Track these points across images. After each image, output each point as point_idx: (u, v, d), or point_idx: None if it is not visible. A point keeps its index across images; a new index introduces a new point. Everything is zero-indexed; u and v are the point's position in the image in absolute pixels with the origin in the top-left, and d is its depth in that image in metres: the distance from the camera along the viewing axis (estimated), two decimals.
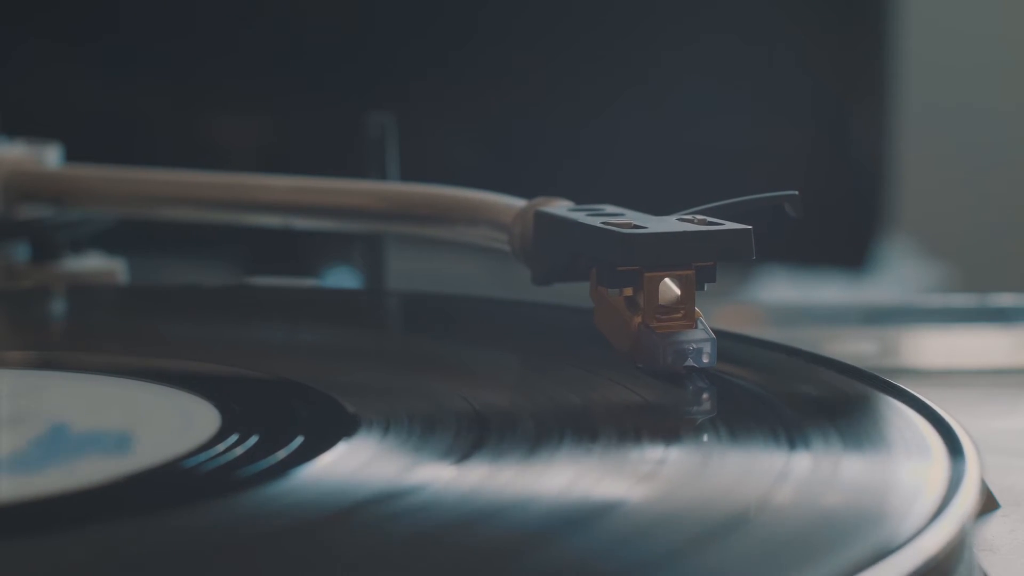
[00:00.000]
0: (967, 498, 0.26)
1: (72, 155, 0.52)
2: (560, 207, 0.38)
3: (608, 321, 0.35)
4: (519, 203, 0.40)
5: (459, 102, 0.86)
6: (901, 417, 0.31)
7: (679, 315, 0.34)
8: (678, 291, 0.34)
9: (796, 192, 0.37)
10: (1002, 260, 0.96)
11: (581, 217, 0.36)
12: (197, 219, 0.49)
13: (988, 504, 0.32)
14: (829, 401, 0.34)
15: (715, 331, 0.34)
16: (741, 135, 0.85)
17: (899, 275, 0.88)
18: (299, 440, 0.30)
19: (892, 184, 0.90)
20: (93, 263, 0.52)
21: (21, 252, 0.51)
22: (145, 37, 0.85)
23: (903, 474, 0.29)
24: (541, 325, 0.42)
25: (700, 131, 0.84)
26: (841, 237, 0.88)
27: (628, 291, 0.35)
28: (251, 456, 0.29)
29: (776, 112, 0.86)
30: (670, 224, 0.35)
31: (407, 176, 0.49)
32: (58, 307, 0.47)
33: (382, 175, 0.49)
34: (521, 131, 0.85)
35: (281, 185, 0.47)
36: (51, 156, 0.51)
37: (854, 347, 0.51)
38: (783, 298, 0.77)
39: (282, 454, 0.29)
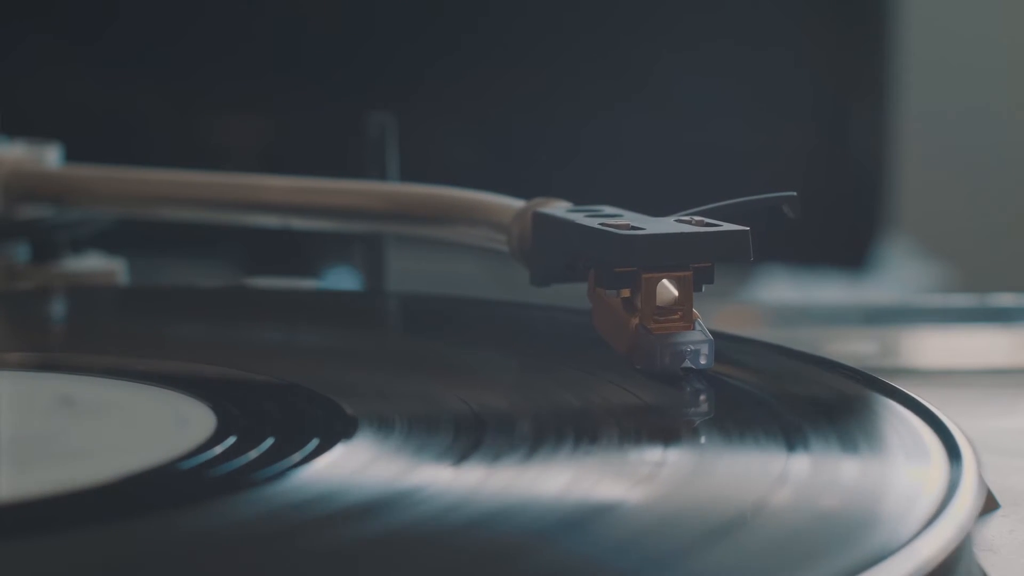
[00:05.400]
0: (965, 501, 0.26)
1: (72, 155, 0.52)
2: (558, 208, 0.38)
3: (606, 322, 0.35)
4: (518, 204, 0.40)
5: (459, 102, 0.86)
6: (899, 419, 0.31)
7: (677, 316, 0.34)
8: (676, 292, 0.34)
9: (794, 193, 0.37)
10: (1002, 260, 0.96)
11: (579, 218, 0.36)
12: (197, 219, 0.49)
13: (988, 504, 0.32)
14: (827, 403, 0.34)
15: (713, 332, 0.34)
16: (741, 135, 0.85)
17: (899, 275, 0.88)
18: (298, 442, 0.30)
19: (892, 184, 0.90)
20: (93, 263, 0.52)
21: (21, 252, 0.51)
22: (145, 37, 0.85)
23: (901, 477, 0.29)
24: (540, 326, 0.42)
25: (700, 131, 0.84)
26: (841, 237, 0.88)
27: (626, 292, 0.35)
28: (249, 458, 0.29)
29: (776, 112, 0.86)
30: (668, 225, 0.35)
31: (407, 176, 0.49)
32: (58, 307, 0.47)
33: (382, 175, 0.49)
34: (521, 131, 0.85)
35: (281, 185, 0.47)
36: (51, 156, 0.51)
37: (854, 347, 0.51)
38: (783, 298, 0.77)
39: (281, 456, 0.29)
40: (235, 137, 0.86)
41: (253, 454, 0.29)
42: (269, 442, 0.30)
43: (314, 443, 0.30)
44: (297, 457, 0.29)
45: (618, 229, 0.34)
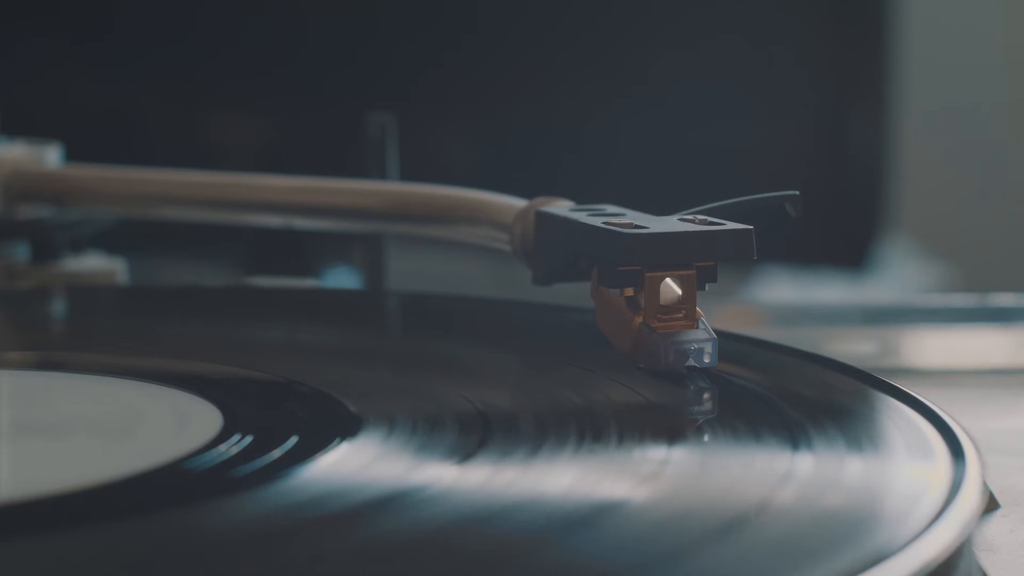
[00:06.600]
0: (968, 501, 0.26)
1: (72, 155, 0.52)
2: (561, 207, 0.38)
3: (609, 321, 0.35)
4: (520, 203, 0.40)
5: (459, 102, 0.86)
6: (903, 418, 0.31)
7: (680, 315, 0.34)
8: (679, 291, 0.34)
9: (796, 192, 0.37)
10: (1002, 260, 0.96)
11: (582, 217, 0.36)
12: (197, 219, 0.49)
13: (988, 504, 0.32)
14: (830, 402, 0.34)
15: (716, 331, 0.34)
16: (741, 135, 0.85)
17: (899, 275, 0.88)
18: (301, 440, 0.30)
19: (892, 184, 0.90)
20: (93, 263, 0.52)
21: (21, 252, 0.51)
22: (145, 37, 0.85)
23: (905, 476, 0.29)
24: (542, 325, 0.42)
25: (700, 131, 0.84)
26: (841, 237, 0.88)
27: (629, 291, 0.35)
28: (252, 457, 0.29)
29: (776, 112, 0.86)
30: (671, 224, 0.35)
31: (407, 176, 0.49)
32: (58, 307, 0.47)
33: (382, 175, 0.49)
34: (521, 131, 0.85)
35: (281, 185, 0.47)
36: (51, 156, 0.51)
37: (854, 347, 0.51)
38: (783, 298, 0.77)
39: (284, 454, 0.29)
40: (235, 137, 0.86)
41: (257, 453, 0.29)
42: (272, 441, 0.30)
43: (318, 441, 0.30)
44: (301, 455, 0.29)
45: (621, 228, 0.34)
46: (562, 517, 0.26)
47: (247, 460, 0.29)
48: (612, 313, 0.35)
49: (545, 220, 0.38)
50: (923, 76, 0.93)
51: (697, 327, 0.34)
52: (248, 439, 0.30)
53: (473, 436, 0.30)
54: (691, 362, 0.34)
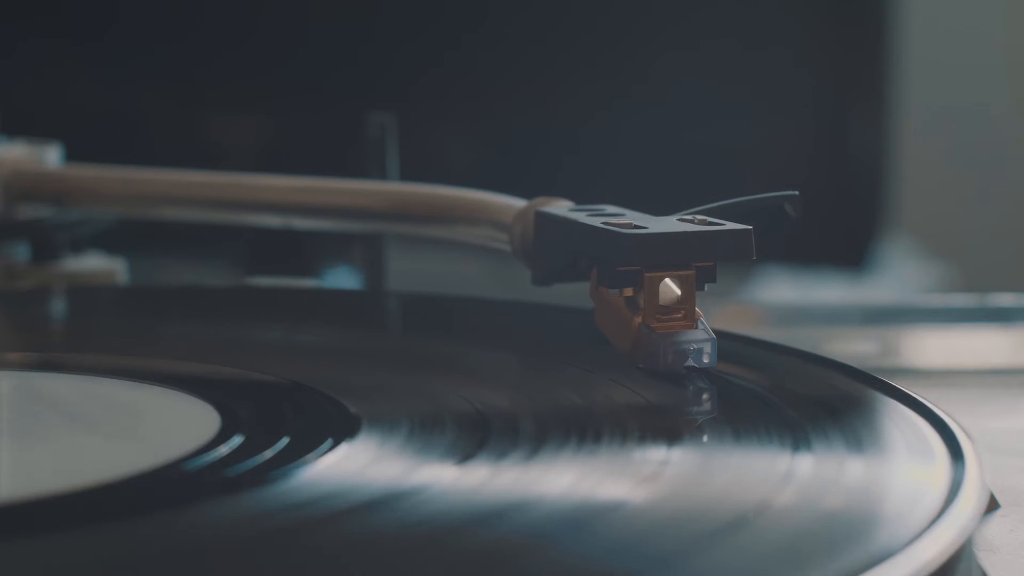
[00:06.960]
0: (968, 501, 0.26)
1: (72, 155, 0.52)
2: (561, 207, 0.38)
3: (609, 321, 0.35)
4: (519, 203, 0.40)
5: (459, 102, 0.86)
6: (903, 418, 0.31)
7: (680, 315, 0.34)
8: (678, 291, 0.34)
9: (796, 192, 0.37)
10: (1002, 260, 0.96)
11: (582, 217, 0.36)
12: (197, 219, 0.49)
13: (988, 504, 0.32)
14: (831, 402, 0.34)
15: (715, 331, 0.34)
16: (741, 135, 0.85)
17: (899, 275, 0.88)
18: (300, 441, 0.30)
19: (892, 184, 0.90)
20: (93, 263, 0.52)
21: (21, 252, 0.51)
22: (145, 37, 0.85)
23: (905, 476, 0.29)
24: (541, 325, 0.42)
25: (700, 131, 0.84)
26: (841, 237, 0.88)
27: (629, 291, 0.35)
28: (251, 457, 0.29)
29: (776, 112, 0.86)
30: (670, 224, 0.35)
31: (407, 176, 0.49)
32: (58, 307, 0.47)
33: (382, 175, 0.49)
34: (521, 131, 0.85)
35: (281, 185, 0.47)
36: (51, 156, 0.51)
37: (854, 347, 0.51)
38: (783, 298, 0.77)
39: (284, 455, 0.29)
40: (235, 137, 0.86)
41: (255, 453, 0.29)
42: (272, 441, 0.30)
43: (317, 442, 0.30)
44: (300, 456, 0.29)
45: (621, 228, 0.34)
46: (562, 517, 0.26)
47: (245, 461, 0.29)
48: (612, 313, 0.35)
49: (545, 220, 0.38)
50: (923, 76, 0.93)
51: (696, 327, 0.34)
52: (247, 440, 0.30)
53: (473, 436, 0.30)
54: (690, 362, 0.34)
